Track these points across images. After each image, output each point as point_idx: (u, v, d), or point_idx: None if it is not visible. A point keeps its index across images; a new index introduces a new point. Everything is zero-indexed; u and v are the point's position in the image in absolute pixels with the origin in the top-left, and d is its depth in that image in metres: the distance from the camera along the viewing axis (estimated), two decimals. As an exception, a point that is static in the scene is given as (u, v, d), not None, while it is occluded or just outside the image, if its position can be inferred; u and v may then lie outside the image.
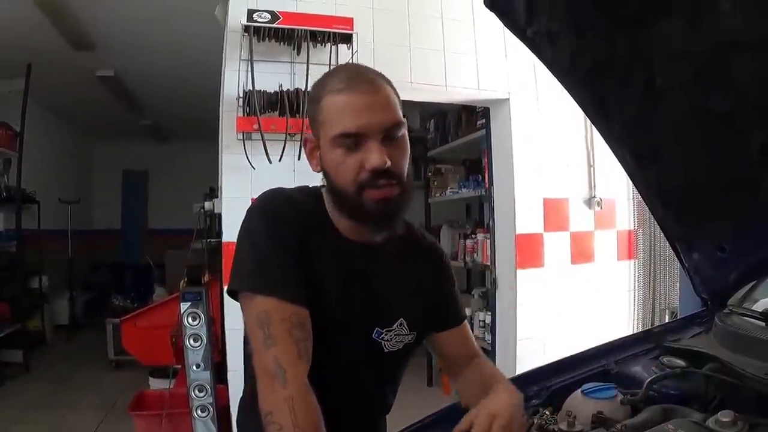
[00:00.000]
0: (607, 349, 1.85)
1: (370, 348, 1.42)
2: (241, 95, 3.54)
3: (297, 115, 3.55)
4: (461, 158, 5.71)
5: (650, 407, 1.42)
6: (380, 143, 1.26)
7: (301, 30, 3.61)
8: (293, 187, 1.46)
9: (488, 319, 4.71)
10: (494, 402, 1.27)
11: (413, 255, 1.52)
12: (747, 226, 1.65)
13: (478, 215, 5.92)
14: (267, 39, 3.59)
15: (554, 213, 4.44)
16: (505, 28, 1.55)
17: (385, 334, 1.43)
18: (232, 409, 3.52)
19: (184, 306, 3.47)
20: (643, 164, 1.70)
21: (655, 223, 1.96)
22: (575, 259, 4.51)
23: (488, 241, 4.68)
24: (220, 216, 3.70)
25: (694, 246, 1.84)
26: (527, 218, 4.34)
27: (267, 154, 3.50)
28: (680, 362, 1.63)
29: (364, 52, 3.76)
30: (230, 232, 3.56)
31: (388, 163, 1.26)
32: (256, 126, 3.48)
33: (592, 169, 4.54)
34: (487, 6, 1.48)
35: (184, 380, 3.58)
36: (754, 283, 1.90)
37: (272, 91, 3.59)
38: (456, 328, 1.58)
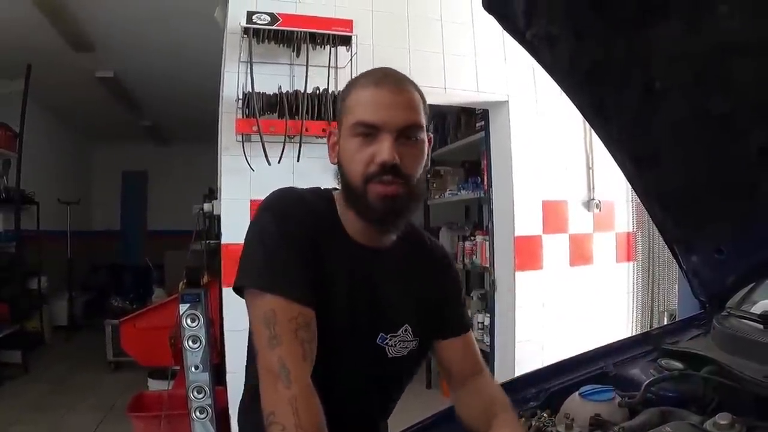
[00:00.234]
0: (605, 352, 1.85)
1: (373, 353, 1.42)
2: (241, 97, 3.54)
3: (296, 117, 3.55)
4: (460, 160, 5.71)
5: (648, 410, 1.42)
6: (394, 140, 1.28)
7: (301, 32, 3.61)
8: (306, 187, 1.47)
9: (487, 321, 4.71)
10: None
11: (422, 261, 1.52)
12: (745, 229, 1.66)
13: (477, 217, 5.92)
14: (266, 41, 3.59)
15: (553, 215, 4.44)
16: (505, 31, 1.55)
17: (390, 340, 1.43)
18: (230, 410, 3.52)
19: (183, 307, 3.47)
20: (642, 167, 1.70)
21: (654, 225, 1.96)
22: (574, 261, 4.52)
23: (487, 243, 4.68)
24: (219, 217, 3.70)
25: (693, 248, 1.84)
26: (526, 220, 4.35)
27: (266, 155, 3.50)
28: (678, 365, 1.64)
29: (363, 54, 3.77)
30: (229, 233, 3.56)
31: (397, 159, 1.27)
32: (255, 128, 3.48)
33: (591, 171, 4.55)
34: (485, 9, 1.48)
35: (183, 382, 3.58)
36: (752, 285, 1.90)
37: (271, 93, 3.59)
38: (460, 337, 1.56)
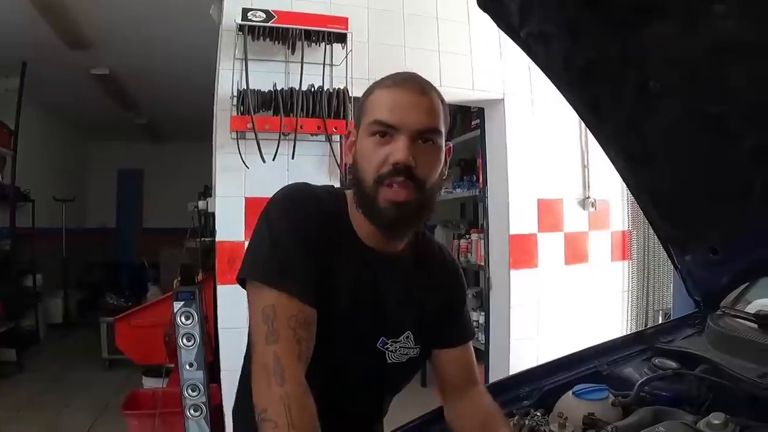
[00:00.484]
0: (599, 350, 1.85)
1: (372, 357, 1.42)
2: (235, 94, 3.53)
3: (291, 115, 3.54)
4: (456, 158, 5.70)
5: (641, 409, 1.42)
6: (410, 142, 1.26)
7: (296, 29, 3.60)
8: (319, 185, 1.45)
9: (482, 319, 4.72)
10: None
11: (430, 269, 1.51)
12: (739, 229, 1.66)
13: (473, 215, 5.92)
14: (261, 38, 3.58)
15: (548, 213, 4.45)
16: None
17: (390, 345, 1.42)
18: (225, 408, 3.52)
19: (177, 305, 3.46)
20: (636, 167, 1.70)
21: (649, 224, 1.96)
22: (569, 260, 4.52)
23: (482, 241, 4.68)
24: (214, 215, 3.69)
25: (687, 248, 1.85)
26: (521, 218, 4.35)
27: (261, 153, 3.49)
28: (672, 364, 1.64)
29: (358, 52, 3.76)
30: (224, 231, 3.55)
31: (412, 161, 1.25)
32: (249, 125, 3.47)
33: (586, 169, 4.55)
34: (480, 7, 1.48)
35: (177, 379, 3.57)
36: (746, 284, 1.91)
37: (266, 91, 3.58)
38: (459, 347, 1.55)
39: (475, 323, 4.73)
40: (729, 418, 1.24)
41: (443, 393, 1.57)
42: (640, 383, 1.52)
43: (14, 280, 6.74)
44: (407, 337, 1.44)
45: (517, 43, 1.55)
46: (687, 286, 1.97)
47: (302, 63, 3.63)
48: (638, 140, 1.61)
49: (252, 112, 3.47)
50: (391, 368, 1.44)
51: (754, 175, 1.43)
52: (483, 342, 4.61)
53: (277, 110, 3.54)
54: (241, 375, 1.57)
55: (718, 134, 1.40)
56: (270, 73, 3.67)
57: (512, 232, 4.31)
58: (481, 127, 4.63)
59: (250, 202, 3.57)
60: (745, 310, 1.79)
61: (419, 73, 1.35)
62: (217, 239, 3.55)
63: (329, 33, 3.67)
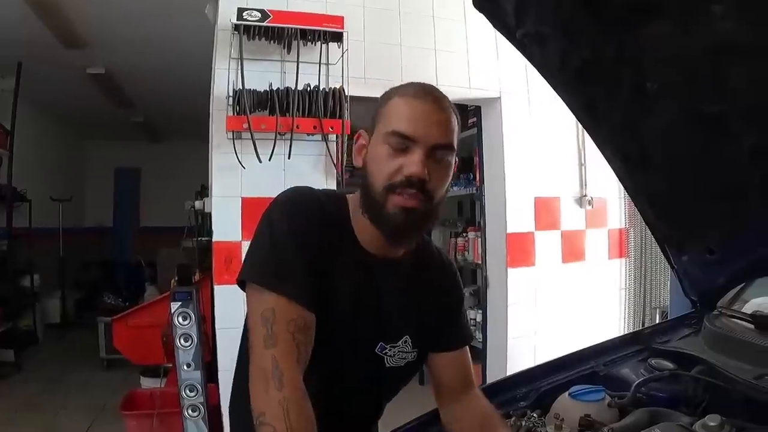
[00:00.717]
0: (596, 351, 1.85)
1: (371, 361, 1.42)
2: (231, 94, 3.52)
3: (287, 114, 3.53)
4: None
5: (637, 410, 1.42)
6: (426, 156, 1.26)
7: (292, 28, 3.59)
8: (321, 189, 1.45)
9: (479, 318, 4.72)
10: None
11: (429, 275, 1.51)
12: (736, 229, 1.65)
13: (470, 213, 5.92)
14: (257, 37, 3.57)
15: (545, 212, 4.44)
16: (496, 28, 1.55)
17: (389, 350, 1.42)
18: (223, 408, 3.51)
19: (175, 305, 3.46)
20: (632, 167, 1.70)
21: (645, 223, 1.96)
22: (566, 258, 4.52)
23: (479, 239, 4.68)
24: (210, 215, 3.69)
25: (684, 248, 1.84)
26: (518, 217, 4.34)
27: (257, 153, 3.48)
28: (669, 365, 1.64)
29: (354, 51, 3.75)
30: (220, 231, 3.54)
31: (426, 175, 1.25)
32: (246, 125, 3.46)
33: (583, 168, 4.55)
34: (476, 7, 1.48)
35: (175, 380, 3.57)
36: (743, 285, 1.91)
37: (262, 90, 3.57)
38: (457, 351, 1.55)
39: (472, 321, 4.79)
40: (725, 419, 1.24)
41: (439, 396, 1.57)
42: (637, 384, 1.52)
43: (11, 280, 6.73)
44: (405, 342, 1.44)
45: (512, 43, 1.54)
46: (684, 286, 1.97)
47: (298, 62, 3.62)
48: (635, 141, 1.60)
49: (248, 112, 3.46)
50: (389, 372, 1.44)
51: (753, 175, 1.42)
52: (480, 340, 4.61)
53: (273, 110, 3.53)
54: (235, 374, 1.57)
55: (715, 134, 1.39)
56: (266, 73, 3.66)
57: (509, 230, 4.31)
58: (478, 125, 4.63)
59: (246, 202, 3.56)
60: (742, 311, 1.79)
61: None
62: (213, 240, 3.55)
63: (325, 32, 3.66)
